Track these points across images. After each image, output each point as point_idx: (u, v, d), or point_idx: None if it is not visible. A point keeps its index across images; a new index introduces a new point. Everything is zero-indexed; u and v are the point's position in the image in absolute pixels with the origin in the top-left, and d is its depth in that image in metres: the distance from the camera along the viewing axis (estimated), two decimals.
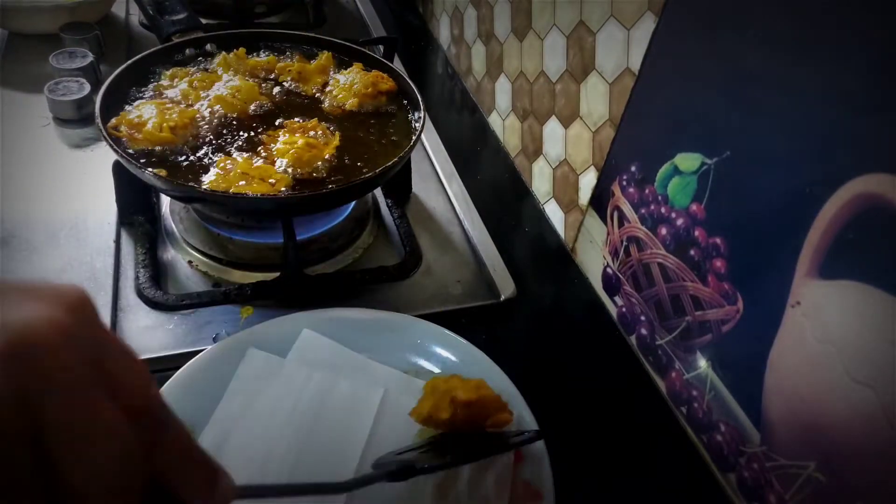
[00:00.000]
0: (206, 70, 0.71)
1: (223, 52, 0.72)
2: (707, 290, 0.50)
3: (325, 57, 0.75)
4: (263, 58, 0.75)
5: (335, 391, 0.52)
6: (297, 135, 0.62)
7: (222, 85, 0.67)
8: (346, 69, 0.74)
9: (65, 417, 0.22)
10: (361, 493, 0.43)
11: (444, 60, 1.04)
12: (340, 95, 0.71)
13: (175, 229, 0.68)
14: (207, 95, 0.66)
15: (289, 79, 0.72)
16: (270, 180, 0.57)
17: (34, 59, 0.88)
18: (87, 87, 0.80)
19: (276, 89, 0.71)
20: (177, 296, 0.61)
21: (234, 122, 0.65)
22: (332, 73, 0.74)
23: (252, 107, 0.66)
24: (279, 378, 0.52)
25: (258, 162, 0.59)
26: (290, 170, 0.59)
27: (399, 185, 0.76)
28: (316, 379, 0.53)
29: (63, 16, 0.90)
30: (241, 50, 0.73)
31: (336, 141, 0.63)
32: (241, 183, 0.56)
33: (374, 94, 0.70)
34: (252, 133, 0.64)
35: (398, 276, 0.67)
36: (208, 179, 0.57)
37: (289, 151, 0.59)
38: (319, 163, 0.60)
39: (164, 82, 0.68)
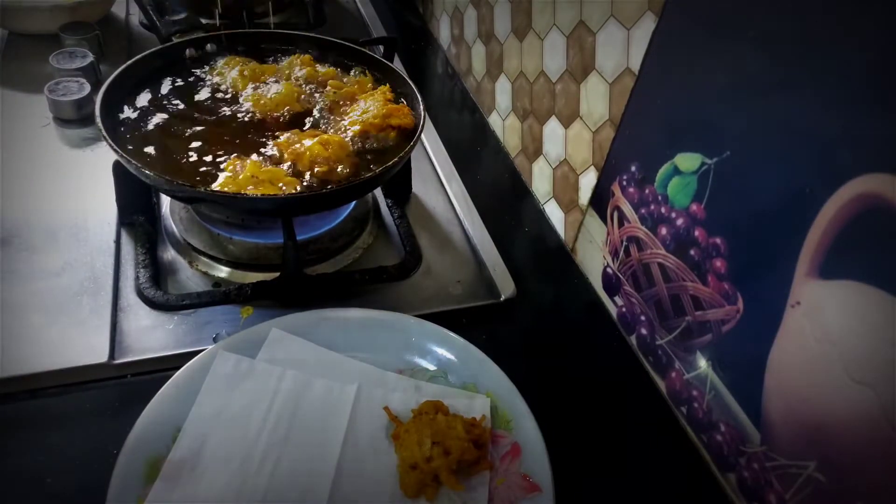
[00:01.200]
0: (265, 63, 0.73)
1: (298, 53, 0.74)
2: (707, 290, 0.50)
3: (381, 91, 0.71)
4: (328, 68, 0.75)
5: (309, 389, 0.53)
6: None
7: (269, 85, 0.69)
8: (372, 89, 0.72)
9: None
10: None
11: (444, 60, 1.04)
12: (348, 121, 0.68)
13: (175, 229, 0.68)
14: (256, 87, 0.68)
15: (332, 92, 0.71)
16: (280, 184, 0.57)
17: (34, 59, 0.87)
18: (87, 87, 0.80)
19: (317, 97, 0.70)
20: (177, 296, 0.61)
21: (259, 122, 0.66)
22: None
23: (284, 110, 0.67)
24: (252, 379, 0.52)
25: (267, 165, 0.59)
26: (307, 174, 0.59)
27: (399, 185, 0.76)
28: (289, 377, 0.53)
29: (63, 16, 0.90)
30: (307, 57, 0.74)
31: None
32: (249, 187, 0.56)
33: (383, 125, 0.65)
34: (266, 136, 0.64)
35: (398, 276, 0.67)
36: (218, 182, 0.57)
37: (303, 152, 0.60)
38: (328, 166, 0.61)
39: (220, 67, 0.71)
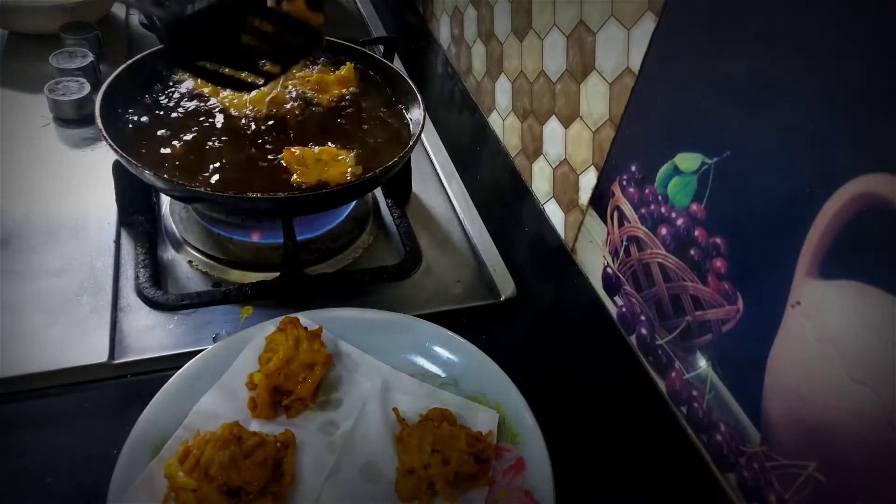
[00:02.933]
0: None
1: None
2: (707, 290, 0.50)
3: (346, 68, 0.73)
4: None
5: (341, 376, 0.54)
6: None
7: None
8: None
9: None
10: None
11: (444, 60, 1.04)
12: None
13: (175, 229, 0.68)
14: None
15: (307, 88, 0.71)
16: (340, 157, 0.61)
17: (34, 59, 0.87)
18: (87, 87, 0.80)
19: (293, 95, 0.70)
20: (177, 296, 0.61)
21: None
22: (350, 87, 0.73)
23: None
24: None
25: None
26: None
27: (399, 185, 0.76)
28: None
29: (63, 16, 0.90)
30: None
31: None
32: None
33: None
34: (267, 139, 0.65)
35: (398, 276, 0.67)
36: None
37: None
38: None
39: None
